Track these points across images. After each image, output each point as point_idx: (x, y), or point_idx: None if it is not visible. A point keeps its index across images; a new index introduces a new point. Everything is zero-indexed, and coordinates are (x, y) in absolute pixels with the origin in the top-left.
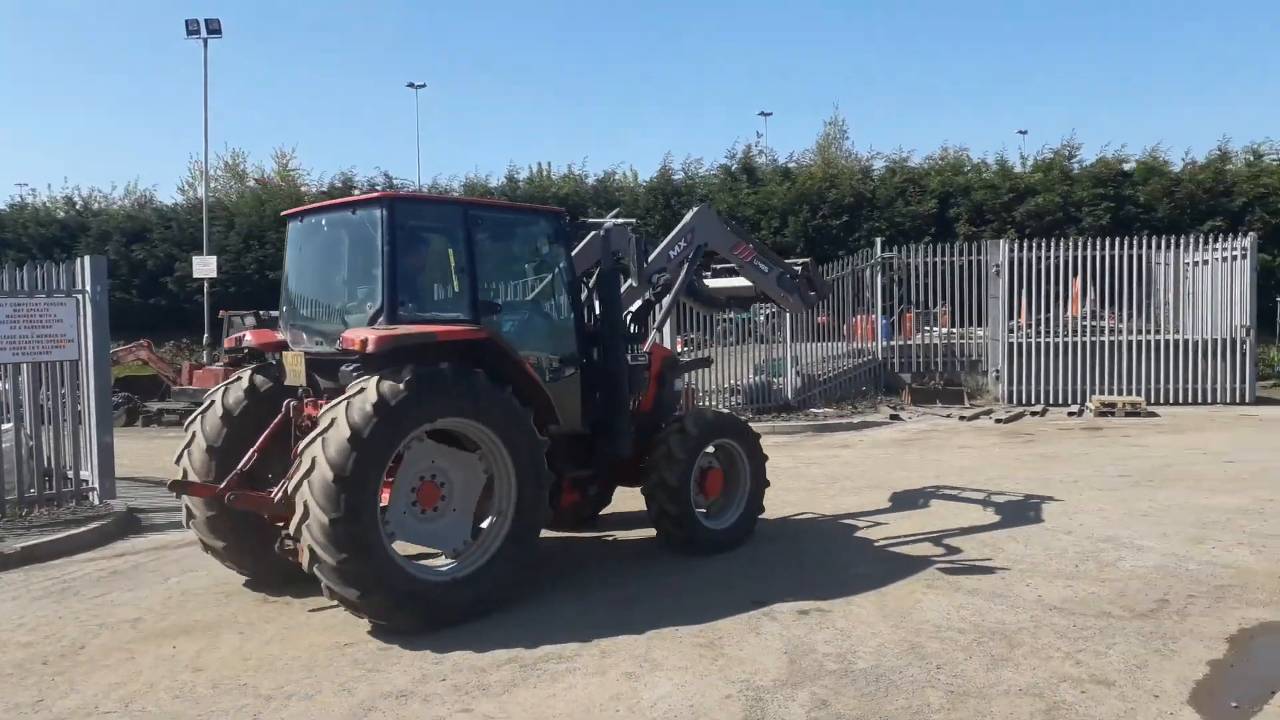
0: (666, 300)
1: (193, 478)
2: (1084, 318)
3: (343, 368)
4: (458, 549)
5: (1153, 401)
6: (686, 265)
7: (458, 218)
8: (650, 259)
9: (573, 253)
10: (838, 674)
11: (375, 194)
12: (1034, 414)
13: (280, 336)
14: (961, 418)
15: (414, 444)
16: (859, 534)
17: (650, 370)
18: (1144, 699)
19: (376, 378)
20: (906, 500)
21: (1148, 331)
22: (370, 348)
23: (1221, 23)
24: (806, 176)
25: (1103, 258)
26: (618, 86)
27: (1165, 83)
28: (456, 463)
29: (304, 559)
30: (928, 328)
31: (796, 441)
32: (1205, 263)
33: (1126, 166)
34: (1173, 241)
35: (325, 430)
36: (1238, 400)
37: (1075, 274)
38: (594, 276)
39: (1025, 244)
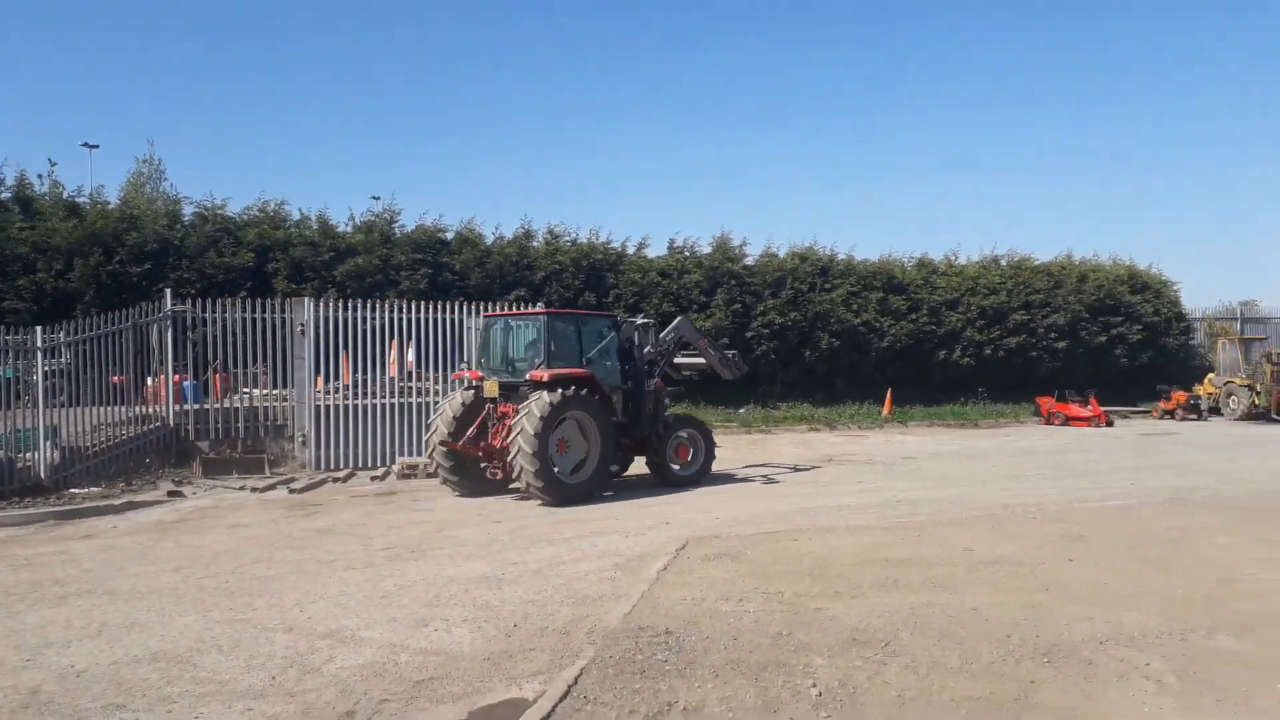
0: (662, 362)
1: (443, 440)
2: (401, 379)
3: (521, 388)
4: (576, 470)
5: None
6: (675, 346)
7: (574, 319)
8: (656, 339)
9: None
10: None
11: (543, 310)
12: (337, 480)
13: (480, 374)
14: (254, 489)
15: (560, 423)
16: None
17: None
18: None
19: (546, 391)
20: (112, 611)
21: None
22: (546, 378)
23: (496, 121)
24: (98, 215)
25: (420, 320)
26: None
27: (480, 165)
28: (572, 432)
29: (514, 471)
30: (246, 390)
31: (23, 536)
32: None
33: (445, 236)
34: (484, 308)
35: (528, 412)
36: None
37: (394, 336)
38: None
39: (341, 304)
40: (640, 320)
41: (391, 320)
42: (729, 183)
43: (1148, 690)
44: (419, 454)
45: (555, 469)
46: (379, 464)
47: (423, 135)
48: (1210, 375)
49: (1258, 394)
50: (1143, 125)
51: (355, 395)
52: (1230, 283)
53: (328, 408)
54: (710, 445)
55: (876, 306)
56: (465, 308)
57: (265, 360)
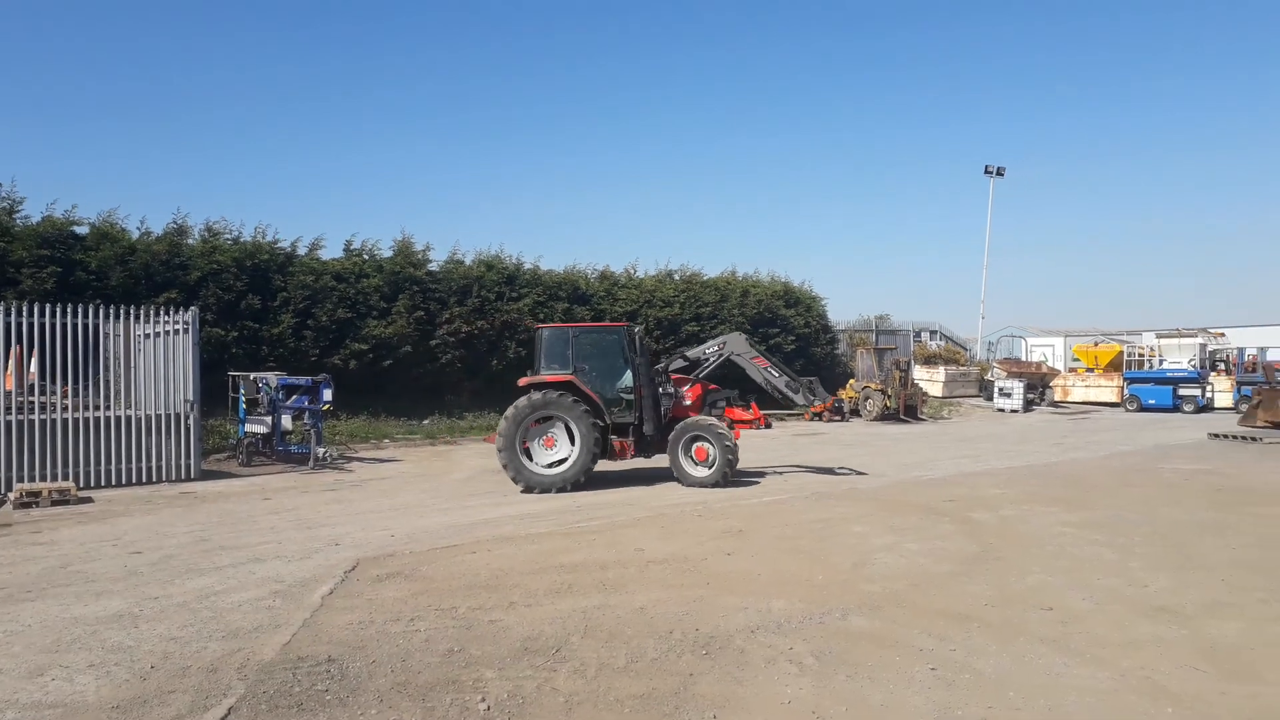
0: (708, 368)
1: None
2: (21, 393)
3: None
4: (556, 465)
5: (92, 485)
6: (718, 358)
7: (567, 330)
8: (696, 349)
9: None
10: None
11: (540, 324)
12: None
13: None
14: None
15: (543, 420)
16: None
17: (689, 394)
18: None
19: (524, 394)
20: None
21: (93, 408)
22: (521, 383)
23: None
24: None
25: (45, 325)
26: None
27: (126, 154)
28: (559, 430)
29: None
30: None
31: None
32: (158, 335)
33: (79, 229)
34: (125, 312)
35: (507, 412)
36: (183, 476)
37: (13, 343)
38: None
39: None
40: (639, 328)
41: (9, 325)
42: (411, 189)
43: (791, 672)
44: (48, 478)
45: (538, 461)
46: None
47: (57, 115)
48: (851, 381)
49: (889, 397)
50: (799, 158)
51: None
52: (867, 299)
53: None
54: (725, 446)
55: (563, 316)
56: (103, 311)
57: None
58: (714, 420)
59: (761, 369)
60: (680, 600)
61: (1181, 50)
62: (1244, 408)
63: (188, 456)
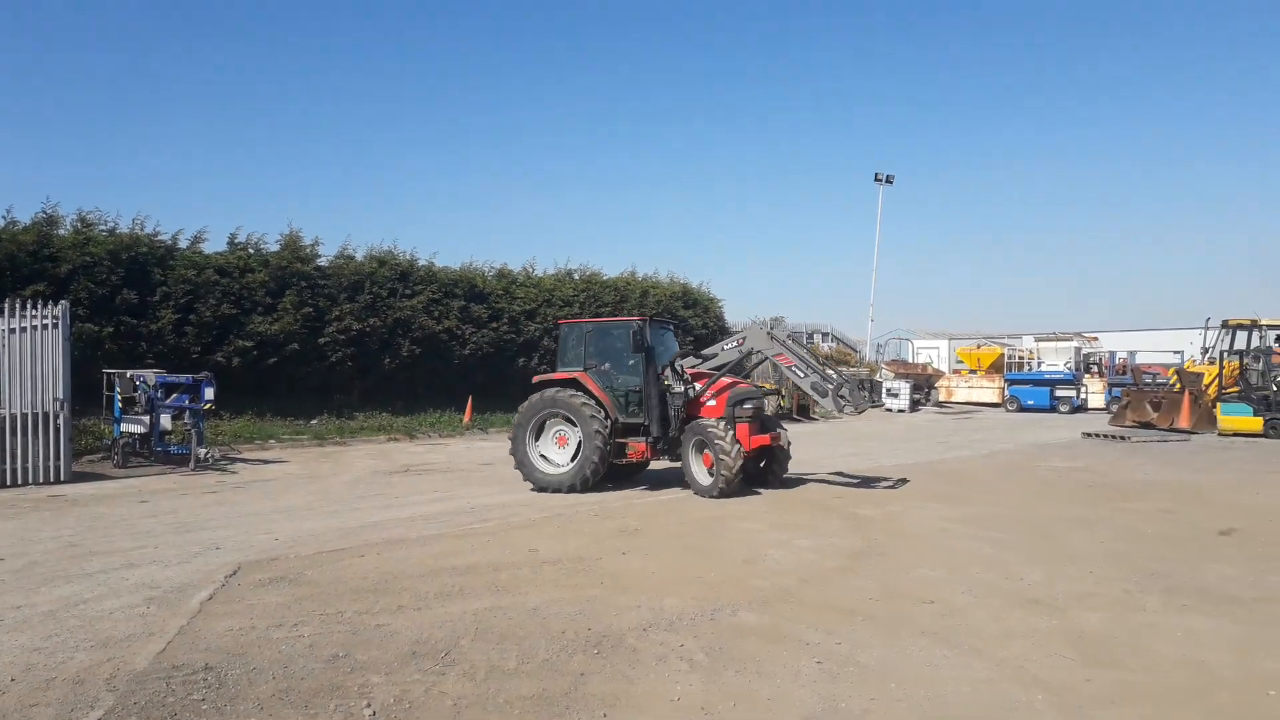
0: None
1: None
2: None
3: None
4: (567, 464)
5: None
6: (739, 355)
7: (582, 328)
8: (713, 347)
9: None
10: None
11: (560, 319)
12: None
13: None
14: None
15: (552, 420)
16: None
17: (709, 392)
18: None
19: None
20: None
21: None
22: (534, 381)
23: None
24: None
25: None
26: None
27: None
28: (570, 429)
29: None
30: None
31: None
32: (24, 330)
33: None
34: None
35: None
36: (52, 479)
37: None
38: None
39: None
40: (638, 322)
41: None
42: (299, 184)
43: (681, 669)
44: None
45: (551, 460)
46: None
47: None
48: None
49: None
50: (700, 161)
51: None
52: (763, 300)
53: None
54: (721, 453)
55: (458, 314)
56: None
57: None
58: (714, 423)
59: (785, 367)
60: (574, 600)
61: (1061, 65)
62: (1114, 408)
63: (57, 458)
